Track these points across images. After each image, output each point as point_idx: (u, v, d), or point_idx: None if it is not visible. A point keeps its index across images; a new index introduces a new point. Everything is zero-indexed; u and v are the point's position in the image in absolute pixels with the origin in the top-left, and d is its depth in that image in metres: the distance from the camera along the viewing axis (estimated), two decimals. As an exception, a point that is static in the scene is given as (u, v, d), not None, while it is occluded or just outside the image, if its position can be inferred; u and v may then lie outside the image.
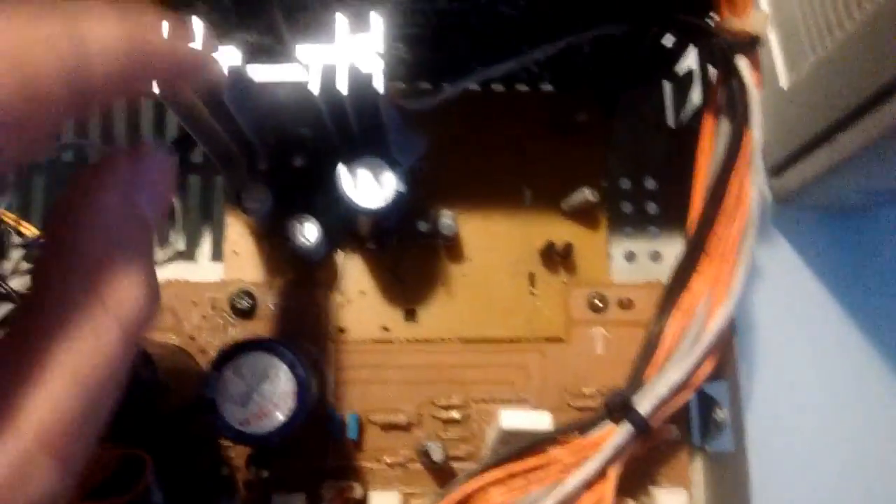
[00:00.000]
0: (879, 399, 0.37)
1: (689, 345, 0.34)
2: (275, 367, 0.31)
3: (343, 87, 0.29)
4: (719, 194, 0.33)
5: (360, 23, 0.30)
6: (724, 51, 0.32)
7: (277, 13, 0.34)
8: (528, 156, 0.40)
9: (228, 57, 0.29)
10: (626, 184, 0.41)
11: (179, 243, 0.39)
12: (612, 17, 0.34)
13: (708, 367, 0.34)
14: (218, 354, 0.31)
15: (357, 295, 0.38)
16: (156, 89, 0.29)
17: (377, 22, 0.30)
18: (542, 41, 0.35)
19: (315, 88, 0.29)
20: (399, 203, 0.34)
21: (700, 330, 0.34)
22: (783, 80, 0.41)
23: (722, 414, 0.36)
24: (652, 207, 0.41)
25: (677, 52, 0.40)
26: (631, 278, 0.40)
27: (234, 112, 0.31)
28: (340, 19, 0.30)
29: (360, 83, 0.30)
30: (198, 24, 0.29)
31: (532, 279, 0.39)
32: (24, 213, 0.40)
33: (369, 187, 0.34)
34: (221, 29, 0.35)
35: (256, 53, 0.36)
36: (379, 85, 0.29)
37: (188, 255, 0.40)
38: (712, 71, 0.39)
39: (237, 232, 0.39)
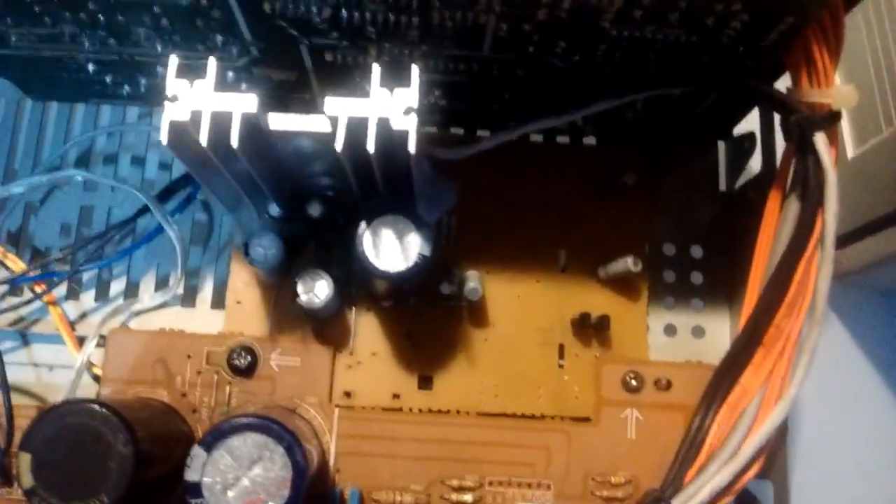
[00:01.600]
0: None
1: (737, 444, 0.30)
2: (270, 450, 0.27)
3: (371, 144, 0.26)
4: (783, 281, 0.30)
5: (395, 71, 0.26)
6: (802, 126, 0.29)
7: (304, 51, 0.31)
8: (565, 214, 0.37)
9: (244, 104, 0.26)
10: (670, 250, 0.38)
11: (179, 287, 0.36)
12: (674, 81, 0.31)
13: (755, 470, 0.30)
14: (207, 432, 0.27)
15: (368, 357, 0.35)
16: (164, 139, 0.26)
17: (415, 74, 0.26)
18: (592, 98, 0.32)
19: (339, 144, 0.26)
20: (422, 267, 0.30)
21: (749, 428, 0.30)
22: (850, 150, 0.37)
23: (764, 519, 0.32)
24: (697, 277, 0.38)
25: (735, 113, 0.37)
26: (670, 355, 0.36)
27: (246, 160, 0.27)
28: (374, 70, 0.26)
29: (391, 141, 0.26)
30: (212, 66, 0.26)
31: (562, 351, 0.36)
32: (15, 245, 0.37)
33: (391, 249, 0.30)
34: (239, 64, 0.32)
35: (276, 89, 0.33)
36: (412, 145, 0.26)
37: (187, 300, 0.37)
38: (773, 136, 0.36)
39: (242, 280, 0.36)
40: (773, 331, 0.31)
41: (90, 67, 0.34)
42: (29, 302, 0.35)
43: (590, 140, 0.39)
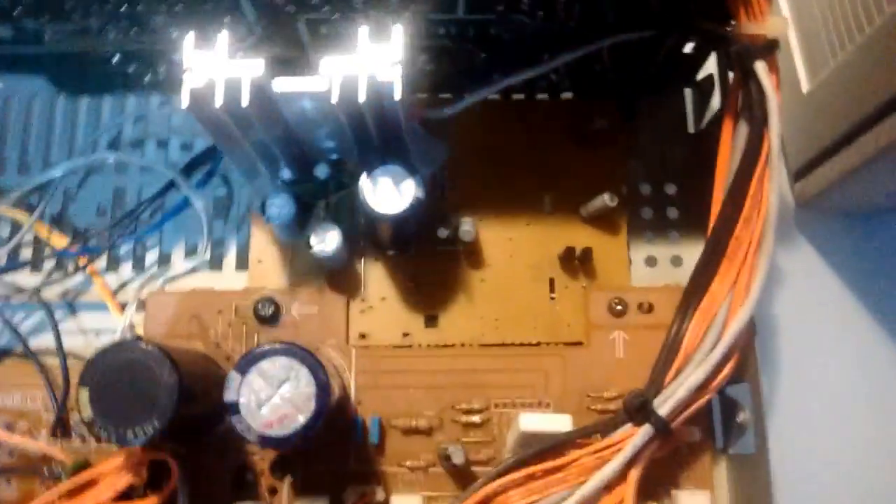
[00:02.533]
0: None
1: (710, 347, 0.34)
2: (295, 370, 0.31)
3: (362, 95, 0.30)
4: (738, 197, 0.33)
5: (381, 34, 0.30)
6: (743, 56, 0.32)
7: (301, 27, 0.35)
8: (548, 163, 0.41)
9: (252, 69, 0.30)
10: (646, 189, 0.42)
11: (206, 253, 0.40)
12: (630, 26, 0.34)
13: (728, 369, 0.34)
14: (240, 358, 0.31)
15: (378, 301, 0.39)
16: (184, 104, 0.30)
17: (398, 33, 0.30)
18: (560, 50, 0.36)
19: (335, 98, 0.30)
20: (418, 209, 0.34)
21: (720, 332, 0.34)
22: (804, 85, 0.41)
23: (744, 416, 0.36)
24: (673, 212, 0.41)
25: (698, 59, 0.40)
26: (651, 282, 0.40)
27: (258, 123, 0.32)
28: (362, 31, 0.30)
29: (379, 92, 0.30)
30: (223, 38, 0.30)
31: (552, 284, 0.39)
32: (58, 224, 0.41)
33: (389, 194, 0.34)
34: (246, 43, 0.36)
35: (281, 66, 0.37)
36: (397, 93, 0.30)
37: (214, 264, 0.41)
38: (732, 76, 0.39)
39: (261, 241, 0.40)
40: (734, 242, 0.34)
41: (115, 59, 0.38)
42: (73, 273, 0.40)
43: (566, 95, 0.42)
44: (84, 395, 0.31)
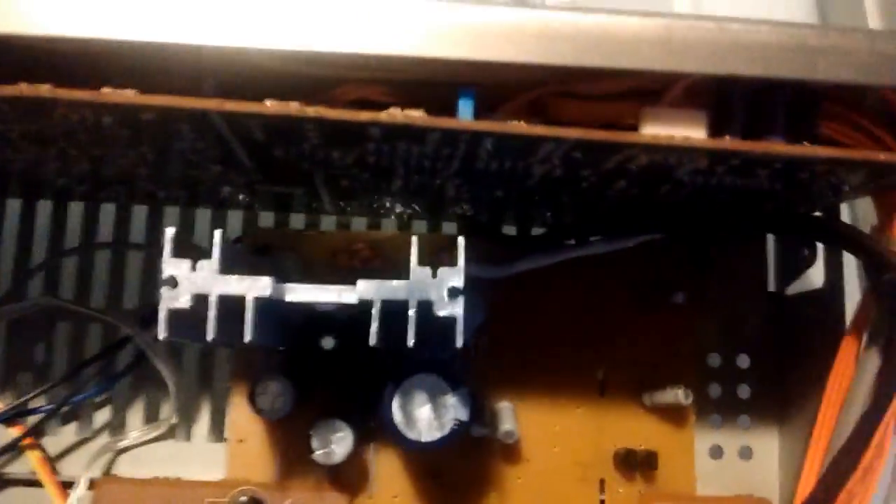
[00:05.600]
0: None
1: None
2: None
3: (411, 336, 0.22)
4: (861, 445, 0.27)
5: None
6: (893, 283, 0.25)
7: (320, 184, 0.26)
8: (603, 332, 0.33)
9: (257, 286, 0.22)
10: (715, 361, 0.34)
11: (171, 419, 0.32)
12: (745, 222, 0.27)
13: None
14: None
15: (390, 500, 0.31)
16: (161, 333, 0.21)
17: (461, 249, 0.22)
18: (647, 227, 0.28)
19: (373, 338, 0.22)
20: (459, 433, 0.27)
21: None
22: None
23: None
24: (744, 391, 0.34)
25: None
26: (716, 481, 0.33)
27: (258, 336, 0.23)
28: (414, 242, 0.22)
29: (433, 324, 0.22)
30: (217, 243, 0.22)
31: (602, 486, 0.32)
32: None
33: (424, 413, 0.27)
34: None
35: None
36: (459, 336, 0.22)
37: (181, 433, 0.32)
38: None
39: (244, 416, 0.31)
40: (845, 496, 0.27)
41: (60, 182, 0.29)
42: (8, 449, 0.31)
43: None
44: None
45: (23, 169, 0.28)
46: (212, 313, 0.22)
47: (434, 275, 0.22)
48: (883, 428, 0.27)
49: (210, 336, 0.21)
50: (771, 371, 0.34)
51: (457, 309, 0.22)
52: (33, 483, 0.31)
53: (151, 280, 0.33)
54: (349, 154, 0.23)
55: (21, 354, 0.33)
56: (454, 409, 0.27)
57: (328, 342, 0.30)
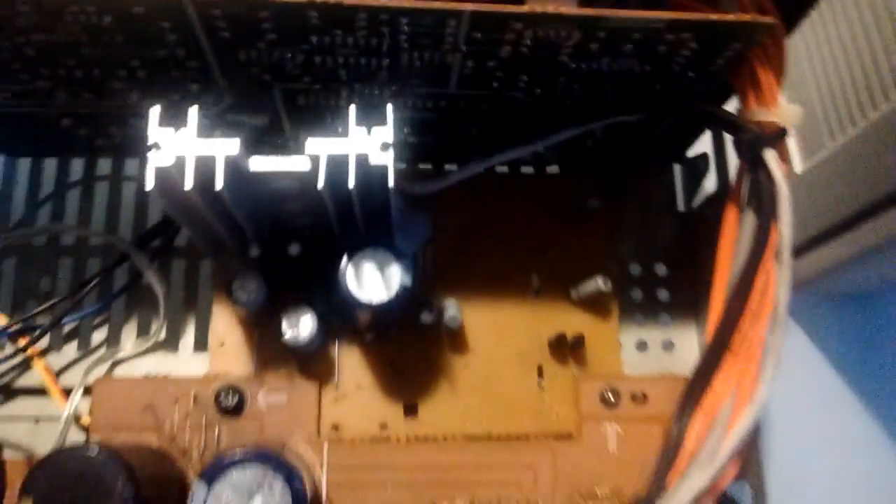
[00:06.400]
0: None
1: (713, 447, 0.32)
2: (269, 481, 0.28)
3: (352, 180, 0.27)
4: (745, 291, 0.32)
5: (368, 111, 0.28)
6: (753, 144, 0.31)
7: (277, 96, 0.32)
8: (535, 241, 0.38)
9: (227, 148, 0.27)
10: (636, 270, 0.40)
11: (161, 333, 0.37)
12: (631, 107, 0.32)
13: (732, 471, 0.32)
14: (207, 466, 0.28)
15: (354, 389, 0.36)
16: (149, 185, 0.27)
17: (390, 113, 0.28)
18: (555, 128, 0.34)
19: (321, 182, 0.27)
20: (404, 297, 0.32)
21: (724, 431, 0.32)
22: (797, 166, 0.40)
23: (745, 519, 0.34)
24: (663, 294, 0.39)
25: (688, 136, 0.39)
26: (643, 370, 0.38)
27: (229, 202, 0.28)
28: (352, 109, 0.28)
29: (370, 176, 0.28)
30: (193, 114, 0.27)
31: (540, 371, 0.37)
32: (-8, 299, 0.37)
33: (373, 280, 0.32)
34: (213, 111, 0.33)
35: (252, 135, 0.34)
36: (391, 180, 0.27)
37: (169, 345, 0.37)
38: (725, 155, 0.38)
39: (224, 321, 0.36)
40: (739, 338, 0.32)
41: (63, 122, 0.35)
42: (12, 356, 0.36)
43: (553, 169, 0.40)
44: (26, 506, 0.27)
45: (33, 110, 0.33)
46: (189, 168, 0.27)
47: (369, 132, 0.28)
48: (763, 275, 0.32)
49: (188, 186, 0.27)
50: (685, 276, 0.39)
51: (387, 159, 0.27)
52: (39, 392, 0.36)
53: (143, 211, 0.38)
54: (298, 53, 0.29)
55: (29, 282, 0.37)
56: (399, 275, 0.31)
57: (294, 248, 0.35)
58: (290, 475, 0.28)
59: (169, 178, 0.27)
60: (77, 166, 0.39)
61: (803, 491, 0.36)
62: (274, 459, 0.28)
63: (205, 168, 0.27)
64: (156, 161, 0.27)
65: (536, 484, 0.35)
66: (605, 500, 0.35)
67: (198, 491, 0.28)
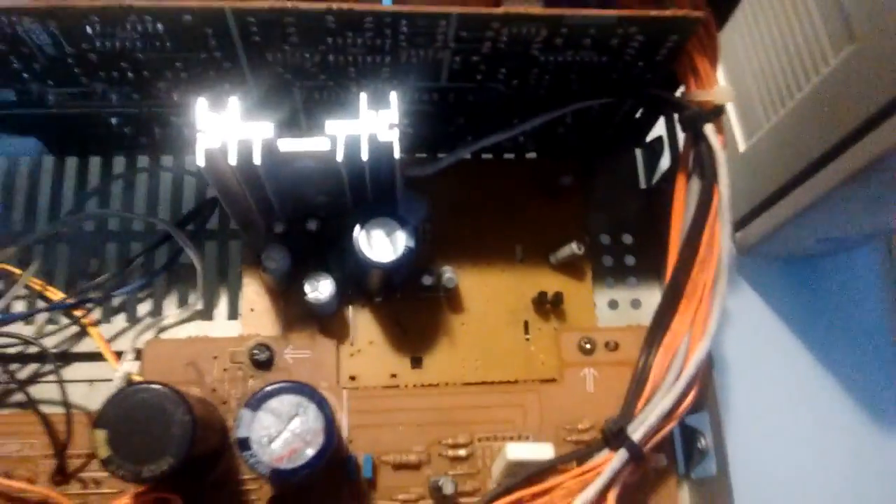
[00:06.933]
0: (839, 419, 0.42)
1: (674, 377, 0.37)
2: (304, 406, 0.34)
3: (364, 154, 0.33)
4: (694, 243, 0.38)
5: (377, 100, 0.34)
6: (694, 120, 0.37)
7: (297, 92, 0.38)
8: (517, 216, 0.44)
9: (262, 130, 0.33)
10: (605, 239, 0.46)
11: (198, 303, 0.42)
12: (593, 93, 0.39)
13: (691, 397, 0.38)
14: (251, 395, 0.34)
15: (366, 345, 0.42)
16: (199, 162, 0.32)
17: (394, 99, 0.34)
18: (530, 114, 0.40)
19: (339, 156, 0.33)
20: (409, 257, 0.37)
21: (682, 364, 0.38)
22: (740, 146, 0.46)
23: (704, 441, 0.39)
24: (630, 260, 0.46)
25: (647, 123, 0.45)
26: (615, 324, 0.44)
27: (264, 179, 0.34)
28: (362, 97, 0.34)
29: (380, 150, 0.34)
30: (234, 104, 0.33)
31: (526, 326, 0.43)
32: (49, 279, 0.42)
33: (382, 245, 0.37)
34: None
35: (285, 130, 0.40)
36: (396, 151, 0.33)
37: (206, 314, 0.43)
38: (683, 138, 0.44)
39: (253, 291, 0.42)
40: (691, 284, 0.38)
41: (113, 121, 0.41)
42: (67, 326, 0.41)
43: (531, 155, 0.47)
44: (101, 436, 0.32)
45: (82, 114, 0.39)
46: (232, 148, 0.33)
47: (377, 115, 0.34)
48: (708, 228, 0.38)
49: (232, 162, 0.33)
50: (649, 244, 0.46)
51: (393, 136, 0.33)
52: (92, 357, 0.41)
53: (178, 200, 0.44)
54: (315, 53, 0.35)
55: (79, 263, 0.43)
56: (404, 238, 0.37)
57: (312, 224, 0.41)
58: (322, 401, 0.34)
59: (216, 157, 0.33)
60: (118, 164, 0.45)
61: (755, 423, 0.42)
62: (307, 388, 0.34)
63: (245, 148, 0.33)
64: (204, 143, 0.33)
65: (526, 421, 0.41)
66: (585, 432, 0.41)
67: (244, 416, 0.33)
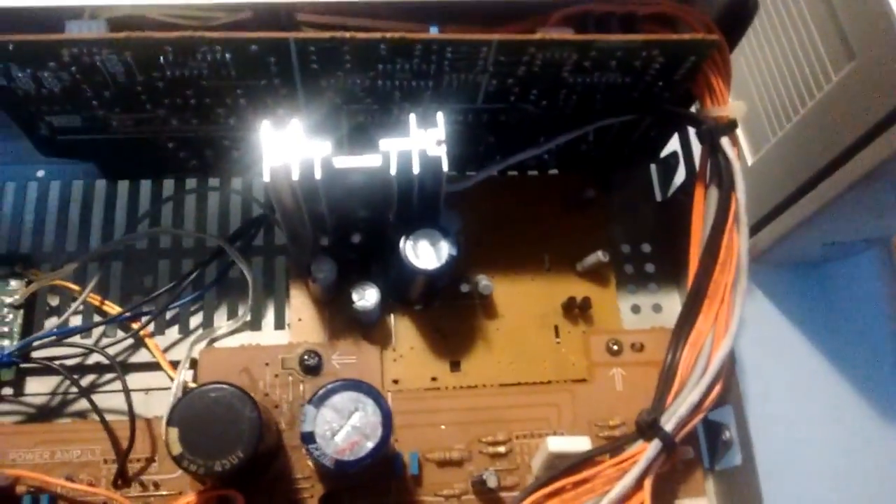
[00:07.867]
0: (856, 410, 0.45)
1: (700, 372, 0.40)
2: (363, 402, 0.36)
3: (416, 167, 0.36)
4: (714, 247, 0.41)
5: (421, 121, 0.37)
6: (711, 133, 0.40)
7: (344, 115, 0.41)
8: (544, 228, 0.48)
9: (322, 148, 0.36)
10: (626, 249, 0.49)
11: (247, 315, 0.45)
12: (616, 112, 0.42)
13: (717, 390, 0.40)
14: (314, 393, 0.36)
15: (408, 351, 0.44)
16: (265, 178, 0.35)
17: (440, 118, 0.37)
18: (556, 132, 0.43)
19: (393, 170, 0.36)
20: (452, 265, 0.40)
21: (707, 360, 0.40)
22: (748, 159, 0.49)
23: (729, 433, 0.42)
24: (650, 267, 0.49)
25: (662, 140, 0.48)
26: (638, 326, 0.47)
27: (322, 194, 0.37)
28: (412, 117, 0.37)
29: (428, 165, 0.37)
30: (295, 125, 0.36)
31: (556, 330, 0.46)
32: (104, 295, 0.45)
33: (427, 253, 0.40)
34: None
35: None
36: (444, 165, 0.36)
37: (254, 325, 0.45)
38: (700, 152, 0.47)
39: (300, 301, 0.45)
40: (713, 285, 0.41)
41: (169, 145, 0.44)
42: (124, 338, 0.44)
43: (552, 171, 0.50)
44: (173, 434, 0.35)
45: (143, 138, 0.42)
46: (295, 165, 0.36)
47: (426, 132, 0.37)
48: (727, 233, 0.41)
49: (294, 178, 0.35)
50: (667, 252, 0.49)
51: (441, 152, 0.36)
52: (148, 367, 0.44)
53: (225, 219, 0.47)
54: (365, 79, 0.38)
55: (133, 279, 0.46)
56: (447, 247, 0.40)
57: (356, 237, 0.44)
58: (378, 397, 0.36)
59: (278, 174, 0.36)
60: (167, 186, 0.48)
61: (774, 417, 0.44)
62: (365, 385, 0.36)
63: (306, 165, 0.36)
64: (270, 161, 0.36)
65: (560, 418, 0.43)
66: (615, 428, 0.43)
67: (308, 413, 0.36)
